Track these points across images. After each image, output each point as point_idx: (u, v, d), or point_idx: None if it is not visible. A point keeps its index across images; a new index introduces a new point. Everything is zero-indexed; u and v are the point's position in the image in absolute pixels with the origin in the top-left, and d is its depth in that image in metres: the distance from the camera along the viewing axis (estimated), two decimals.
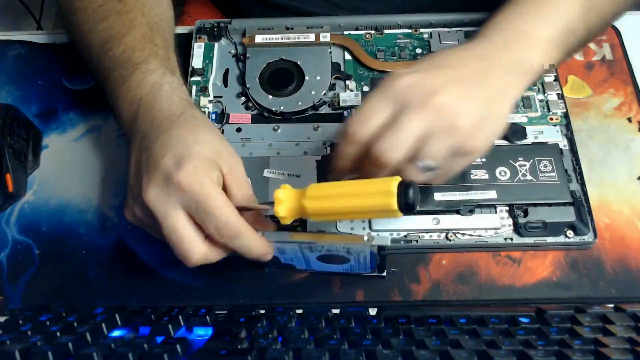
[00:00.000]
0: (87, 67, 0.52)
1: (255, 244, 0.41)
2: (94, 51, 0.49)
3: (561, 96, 0.53)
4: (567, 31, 0.46)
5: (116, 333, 0.39)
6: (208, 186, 0.38)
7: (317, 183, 0.42)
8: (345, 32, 0.58)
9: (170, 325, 0.38)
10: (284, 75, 0.55)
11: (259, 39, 0.57)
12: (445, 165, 0.41)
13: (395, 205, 0.38)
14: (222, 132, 0.53)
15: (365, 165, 0.41)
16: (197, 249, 0.39)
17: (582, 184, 0.49)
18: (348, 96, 0.54)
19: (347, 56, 0.57)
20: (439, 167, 0.40)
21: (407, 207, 0.38)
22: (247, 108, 0.54)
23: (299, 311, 0.41)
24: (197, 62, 0.56)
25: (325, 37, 0.57)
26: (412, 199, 0.38)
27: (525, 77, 0.44)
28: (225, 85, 0.56)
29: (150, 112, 0.43)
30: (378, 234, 0.43)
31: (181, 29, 0.62)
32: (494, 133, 0.41)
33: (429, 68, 0.41)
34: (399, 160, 0.39)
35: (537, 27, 0.45)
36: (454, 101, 0.39)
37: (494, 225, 0.48)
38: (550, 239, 0.47)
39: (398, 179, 0.39)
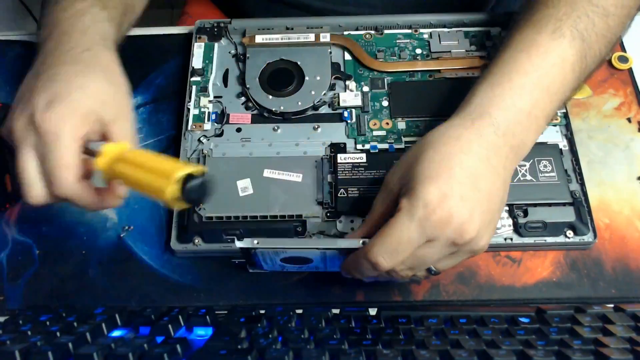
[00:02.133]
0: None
1: (83, 200, 0.40)
2: None
3: None
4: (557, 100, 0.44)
5: (116, 333, 0.39)
6: (63, 133, 0.39)
7: (118, 144, 0.41)
8: (345, 32, 0.58)
9: (170, 325, 0.38)
10: (284, 75, 0.55)
11: (259, 39, 0.57)
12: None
13: (168, 195, 0.36)
14: (222, 133, 0.53)
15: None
16: (34, 191, 0.40)
17: (582, 184, 0.49)
18: (348, 96, 0.54)
19: (347, 56, 0.57)
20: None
21: (188, 200, 0.37)
22: (247, 108, 0.54)
23: (299, 311, 0.41)
24: (197, 62, 0.56)
25: (325, 37, 0.57)
26: (193, 194, 0.37)
27: (521, 156, 0.43)
28: (225, 85, 0.56)
29: (60, 37, 0.44)
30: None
31: (181, 29, 0.62)
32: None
33: (461, 191, 0.38)
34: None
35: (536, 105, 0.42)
36: (480, 231, 0.38)
37: None
38: (550, 239, 0.47)
39: (189, 169, 0.37)
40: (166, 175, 0.36)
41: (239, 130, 0.53)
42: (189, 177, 0.37)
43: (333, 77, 0.55)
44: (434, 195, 0.37)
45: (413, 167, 0.39)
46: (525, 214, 0.48)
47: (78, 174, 0.39)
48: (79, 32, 0.44)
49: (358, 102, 0.54)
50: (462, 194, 0.37)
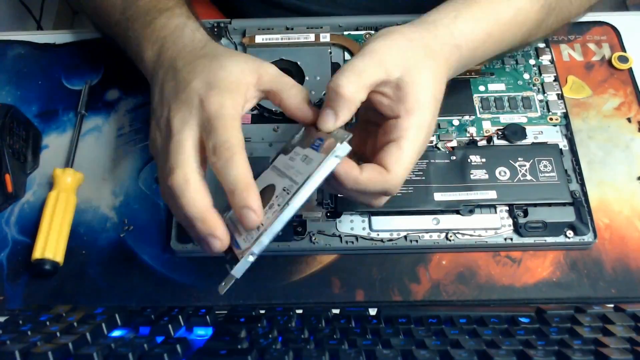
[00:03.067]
0: (105, 31, 0.52)
1: (242, 178, 0.37)
2: (118, 5, 0.49)
3: (561, 96, 0.53)
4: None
5: (116, 333, 0.39)
6: (226, 108, 0.38)
7: None
8: (345, 32, 0.58)
9: (170, 325, 0.38)
10: None
11: (259, 39, 0.57)
12: None
13: None
14: None
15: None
16: (189, 165, 0.37)
17: (582, 184, 0.49)
18: None
19: (347, 56, 0.57)
20: None
21: None
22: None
23: (299, 311, 0.41)
24: None
25: (325, 37, 0.57)
26: None
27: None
28: None
29: (173, 48, 0.44)
30: None
31: None
32: None
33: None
34: None
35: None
36: None
37: (494, 225, 0.48)
38: (550, 239, 0.47)
39: None
40: None
41: None
42: None
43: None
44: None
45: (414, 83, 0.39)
46: (525, 214, 0.48)
47: (240, 141, 0.38)
48: (189, 39, 0.44)
49: None
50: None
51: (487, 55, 0.46)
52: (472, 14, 0.43)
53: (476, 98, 0.54)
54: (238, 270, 0.37)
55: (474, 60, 0.45)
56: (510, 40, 0.46)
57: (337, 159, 0.36)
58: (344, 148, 0.36)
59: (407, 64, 0.39)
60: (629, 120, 0.55)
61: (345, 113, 0.38)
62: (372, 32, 0.58)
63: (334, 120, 0.38)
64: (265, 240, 0.36)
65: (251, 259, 0.36)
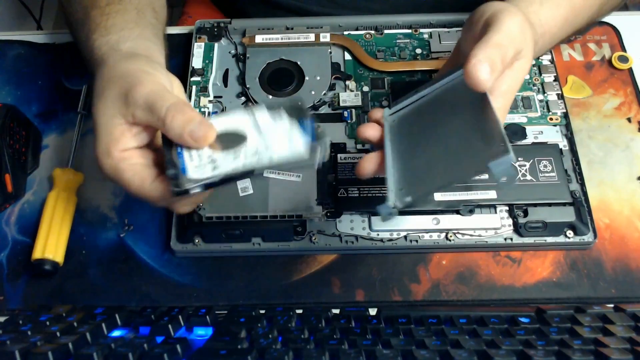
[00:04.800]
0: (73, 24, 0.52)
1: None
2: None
3: (561, 96, 0.53)
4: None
5: (116, 333, 0.39)
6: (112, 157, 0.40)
7: None
8: (345, 32, 0.58)
9: (170, 325, 0.38)
10: (284, 75, 0.55)
11: (259, 39, 0.57)
12: None
13: None
14: None
15: None
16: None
17: (582, 184, 0.49)
18: (348, 96, 0.54)
19: (347, 56, 0.57)
20: None
21: None
22: None
23: (299, 311, 0.41)
24: (197, 62, 0.56)
25: (325, 37, 0.57)
26: None
27: None
28: (225, 85, 0.56)
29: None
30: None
31: (181, 29, 0.62)
32: None
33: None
34: None
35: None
36: None
37: (494, 225, 0.48)
38: (550, 239, 0.47)
39: None
40: None
41: None
42: None
43: (333, 77, 0.55)
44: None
45: None
46: (525, 214, 0.48)
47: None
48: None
49: (358, 102, 0.54)
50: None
51: (557, 41, 0.47)
52: (555, 0, 0.44)
53: None
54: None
55: (548, 47, 0.47)
56: (578, 25, 0.48)
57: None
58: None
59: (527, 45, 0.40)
60: (629, 120, 0.55)
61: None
62: (372, 31, 0.58)
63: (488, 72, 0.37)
64: (216, 173, 0.37)
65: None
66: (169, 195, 0.38)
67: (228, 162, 0.38)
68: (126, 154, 0.39)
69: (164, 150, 0.39)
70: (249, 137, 0.39)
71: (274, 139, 0.39)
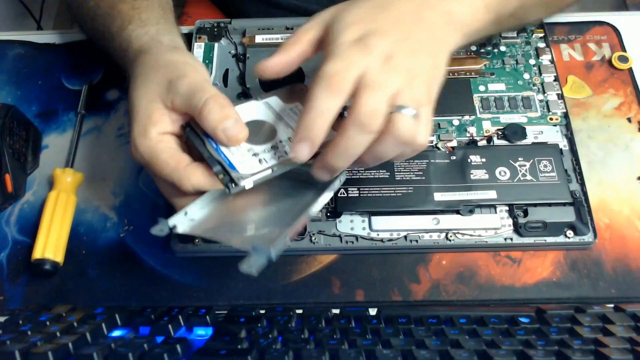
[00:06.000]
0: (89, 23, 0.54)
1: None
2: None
3: (561, 96, 0.53)
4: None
5: (116, 333, 0.39)
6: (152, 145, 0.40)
7: None
8: None
9: (170, 325, 0.38)
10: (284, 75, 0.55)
11: (259, 39, 0.57)
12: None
13: None
14: None
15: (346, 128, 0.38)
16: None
17: (582, 184, 0.49)
18: None
19: None
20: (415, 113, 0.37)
21: None
22: None
23: (299, 311, 0.41)
24: None
25: None
26: None
27: (457, 32, 0.42)
28: (225, 85, 0.56)
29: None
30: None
31: (181, 29, 0.62)
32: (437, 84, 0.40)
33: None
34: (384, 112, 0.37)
35: None
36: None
37: (493, 225, 0.48)
38: (550, 239, 0.47)
39: None
40: None
41: None
42: None
43: None
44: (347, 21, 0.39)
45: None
46: (525, 214, 0.48)
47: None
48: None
49: None
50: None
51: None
52: None
53: (476, 98, 0.54)
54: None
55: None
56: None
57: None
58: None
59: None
60: (629, 120, 0.55)
61: None
62: None
63: None
64: (266, 166, 0.38)
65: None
66: (203, 181, 0.39)
67: (270, 154, 0.39)
68: (164, 137, 0.40)
69: (195, 145, 0.39)
70: (276, 126, 0.39)
71: None
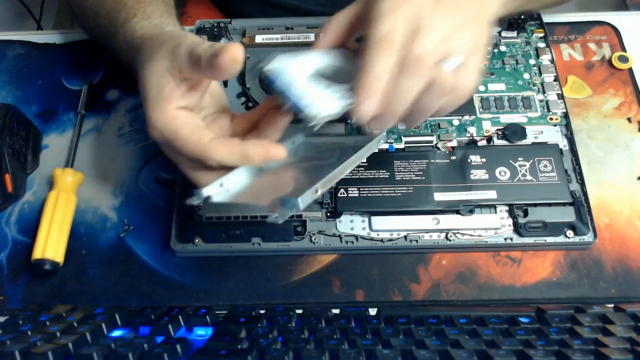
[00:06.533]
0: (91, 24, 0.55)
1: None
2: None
3: (561, 96, 0.53)
4: None
5: (116, 333, 0.39)
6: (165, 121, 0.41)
7: None
8: None
9: (170, 325, 0.38)
10: None
11: (259, 39, 0.57)
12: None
13: None
14: None
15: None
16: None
17: (582, 184, 0.49)
18: None
19: None
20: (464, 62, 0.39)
21: None
22: (247, 108, 0.54)
23: (299, 311, 0.41)
24: None
25: None
26: None
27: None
28: (225, 85, 0.56)
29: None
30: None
31: None
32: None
33: None
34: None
35: None
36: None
37: (493, 225, 0.48)
38: (550, 239, 0.47)
39: None
40: None
41: None
42: None
43: None
44: None
45: None
46: (525, 214, 0.48)
47: None
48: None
49: None
50: None
51: None
52: None
53: (476, 98, 0.54)
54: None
55: None
56: None
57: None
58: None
59: None
60: (629, 120, 0.55)
61: None
62: None
63: None
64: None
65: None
66: (228, 156, 0.39)
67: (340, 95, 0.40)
68: (180, 113, 0.40)
69: (275, 89, 0.40)
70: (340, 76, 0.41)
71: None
